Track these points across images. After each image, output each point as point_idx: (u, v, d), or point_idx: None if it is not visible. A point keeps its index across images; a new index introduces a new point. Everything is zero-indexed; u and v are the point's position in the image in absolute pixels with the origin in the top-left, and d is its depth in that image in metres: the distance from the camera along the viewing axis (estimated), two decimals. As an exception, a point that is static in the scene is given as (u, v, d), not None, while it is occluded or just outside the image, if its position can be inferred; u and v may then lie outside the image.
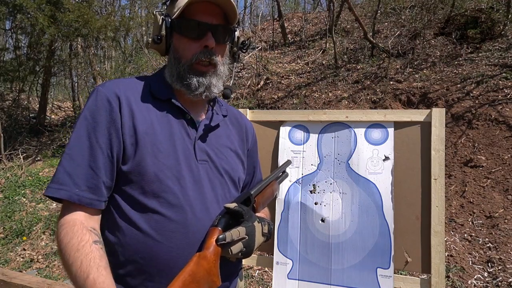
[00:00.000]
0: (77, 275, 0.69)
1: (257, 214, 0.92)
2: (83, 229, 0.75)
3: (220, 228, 0.79)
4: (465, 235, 3.36)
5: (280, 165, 1.30)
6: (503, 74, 5.16)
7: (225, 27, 0.90)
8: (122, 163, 0.81)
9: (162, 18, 0.88)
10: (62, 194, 0.76)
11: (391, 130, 1.24)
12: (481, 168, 4.06)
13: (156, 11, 0.91)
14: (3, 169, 6.14)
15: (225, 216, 0.82)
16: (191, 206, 0.83)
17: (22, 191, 5.36)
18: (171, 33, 0.90)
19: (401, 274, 1.93)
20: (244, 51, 1.03)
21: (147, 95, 0.89)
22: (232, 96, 7.13)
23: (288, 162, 1.28)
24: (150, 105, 0.87)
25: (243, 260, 1.15)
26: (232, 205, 0.82)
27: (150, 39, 0.91)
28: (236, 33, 0.97)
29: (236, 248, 0.79)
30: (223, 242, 0.76)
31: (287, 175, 1.25)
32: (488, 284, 2.74)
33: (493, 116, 4.55)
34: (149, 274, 0.80)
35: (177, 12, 0.86)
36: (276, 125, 1.39)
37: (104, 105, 0.81)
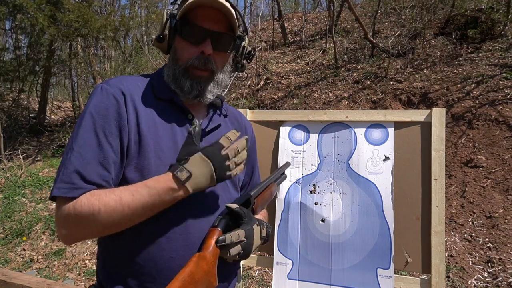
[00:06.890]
0: (134, 191, 0.73)
1: (256, 216, 0.92)
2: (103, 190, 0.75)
3: (220, 229, 0.78)
4: (465, 235, 3.36)
5: (279, 166, 1.30)
6: (503, 74, 5.16)
7: (228, 35, 0.88)
8: (125, 162, 0.80)
9: (167, 17, 0.88)
10: (76, 193, 0.72)
11: (391, 130, 1.24)
12: (481, 168, 4.06)
13: (166, 10, 0.91)
14: (3, 169, 6.13)
15: (225, 217, 0.81)
16: (191, 207, 0.83)
17: (22, 191, 5.36)
18: (174, 34, 0.89)
19: (401, 274, 1.93)
20: (249, 61, 1.01)
21: (150, 94, 0.88)
22: (230, 96, 7.08)
23: (287, 164, 1.28)
24: (153, 104, 0.87)
25: (242, 261, 1.14)
26: (234, 206, 0.82)
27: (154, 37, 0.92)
28: (243, 42, 0.95)
29: (234, 250, 0.78)
30: (223, 244, 0.76)
31: (285, 177, 1.25)
32: (488, 284, 2.74)
33: (493, 116, 4.55)
34: (149, 276, 0.79)
35: (179, 14, 0.85)
36: (276, 125, 1.39)
37: (110, 101, 0.80)
